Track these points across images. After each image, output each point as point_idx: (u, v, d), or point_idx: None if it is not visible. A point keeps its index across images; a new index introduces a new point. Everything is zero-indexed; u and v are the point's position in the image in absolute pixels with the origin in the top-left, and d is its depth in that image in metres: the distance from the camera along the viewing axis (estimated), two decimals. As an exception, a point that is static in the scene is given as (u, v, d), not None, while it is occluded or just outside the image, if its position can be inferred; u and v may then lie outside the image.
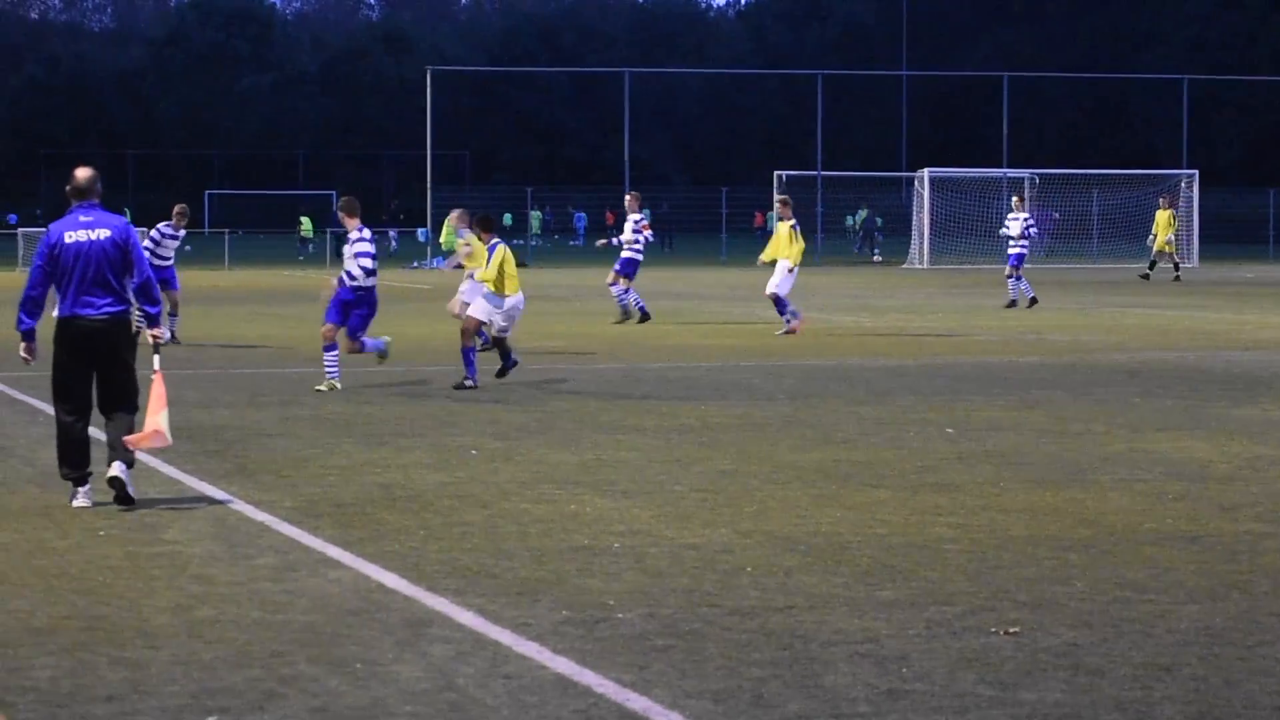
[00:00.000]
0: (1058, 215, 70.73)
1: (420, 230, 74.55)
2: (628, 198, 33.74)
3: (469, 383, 20.22)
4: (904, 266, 64.08)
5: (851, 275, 57.16)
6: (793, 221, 29.85)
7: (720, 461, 14.62)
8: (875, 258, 70.62)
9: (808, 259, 67.74)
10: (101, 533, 11.44)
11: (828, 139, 75.04)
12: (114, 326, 12.33)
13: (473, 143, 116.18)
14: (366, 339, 20.65)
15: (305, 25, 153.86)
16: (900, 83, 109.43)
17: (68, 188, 12.60)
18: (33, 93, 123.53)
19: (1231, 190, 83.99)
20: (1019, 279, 37.73)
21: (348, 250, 20.52)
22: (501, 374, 20.70)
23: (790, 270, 29.58)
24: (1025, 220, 38.08)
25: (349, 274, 20.26)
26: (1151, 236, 52.64)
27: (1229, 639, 8.69)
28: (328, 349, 20.22)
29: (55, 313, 12.45)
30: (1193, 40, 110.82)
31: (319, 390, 19.84)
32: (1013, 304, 37.40)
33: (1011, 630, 8.82)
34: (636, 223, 32.86)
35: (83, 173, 12.61)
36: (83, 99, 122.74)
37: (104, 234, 12.38)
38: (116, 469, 12.16)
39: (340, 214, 20.87)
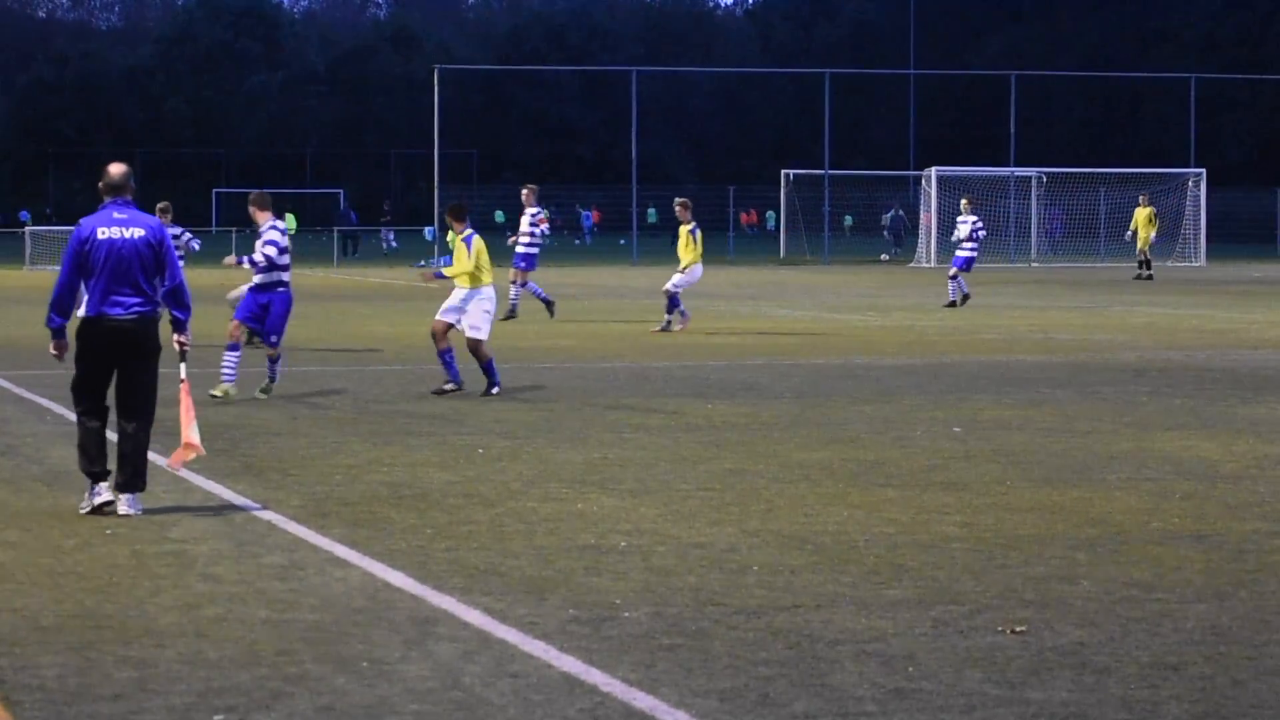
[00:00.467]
0: (1063, 215, 70.74)
1: (427, 229, 74.56)
2: (524, 192, 33.18)
3: (495, 390, 19.51)
4: (911, 265, 64.06)
5: (859, 274, 57.12)
6: (691, 225, 29.70)
7: (727, 460, 14.62)
8: (883, 256, 70.58)
9: (815, 258, 67.28)
10: (109, 531, 11.44)
11: (836, 138, 74.97)
12: (141, 326, 12.03)
13: (481, 141, 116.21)
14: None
15: (313, 24, 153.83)
16: (908, 81, 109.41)
17: (101, 184, 12.24)
18: (41, 91, 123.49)
19: (1239, 189, 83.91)
20: (956, 279, 37.64)
21: (259, 245, 19.72)
22: (442, 393, 19.47)
23: (681, 272, 29.51)
24: (974, 223, 38.00)
25: (250, 259, 19.62)
26: (1130, 234, 52.71)
27: (1236, 638, 8.68)
28: (230, 348, 19.19)
29: (81, 311, 12.16)
30: (1201, 39, 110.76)
31: (214, 396, 18.69)
32: (952, 304, 37.33)
33: (1018, 629, 8.81)
34: (533, 217, 32.74)
35: (116, 168, 12.28)
36: (91, 98, 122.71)
37: (138, 233, 12.05)
38: (125, 506, 11.90)
39: (251, 208, 19.93)
